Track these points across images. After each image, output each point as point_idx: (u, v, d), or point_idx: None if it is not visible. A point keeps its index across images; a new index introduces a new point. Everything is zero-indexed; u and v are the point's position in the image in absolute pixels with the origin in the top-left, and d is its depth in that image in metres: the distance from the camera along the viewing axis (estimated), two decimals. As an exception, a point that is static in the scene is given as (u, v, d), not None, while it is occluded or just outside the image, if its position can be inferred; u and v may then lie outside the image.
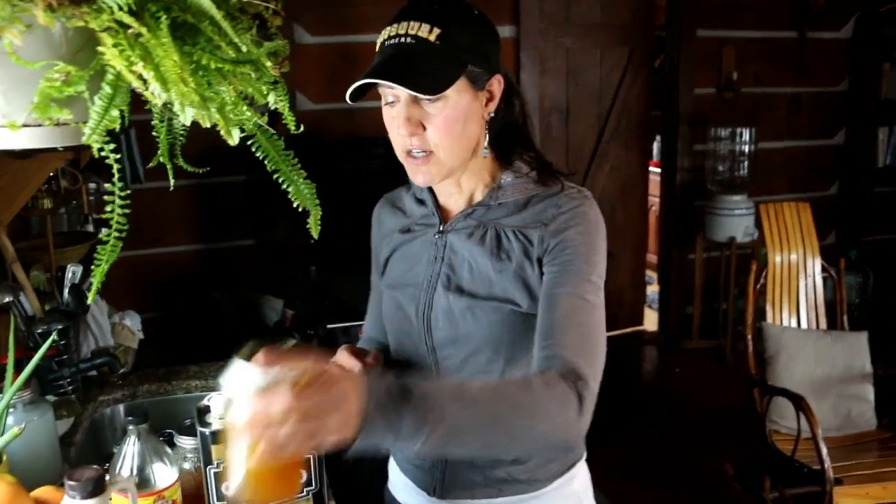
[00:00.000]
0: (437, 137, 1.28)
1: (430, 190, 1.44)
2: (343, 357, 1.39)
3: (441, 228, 1.42)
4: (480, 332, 1.35)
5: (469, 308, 1.35)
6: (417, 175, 1.33)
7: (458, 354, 1.38)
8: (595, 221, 1.34)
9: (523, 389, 1.13)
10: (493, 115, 1.35)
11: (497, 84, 1.34)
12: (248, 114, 0.93)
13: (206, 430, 1.17)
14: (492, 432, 1.06)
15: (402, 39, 1.25)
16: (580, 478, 1.50)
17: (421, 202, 1.48)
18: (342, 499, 1.41)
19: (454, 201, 1.43)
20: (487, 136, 1.36)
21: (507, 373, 1.35)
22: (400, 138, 1.30)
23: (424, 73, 1.23)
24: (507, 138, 1.41)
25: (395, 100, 1.28)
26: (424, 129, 1.28)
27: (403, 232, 1.49)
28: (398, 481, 1.56)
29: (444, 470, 1.43)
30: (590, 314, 1.27)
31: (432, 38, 1.23)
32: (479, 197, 1.40)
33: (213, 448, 1.18)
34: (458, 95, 1.27)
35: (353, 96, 1.27)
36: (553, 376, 1.15)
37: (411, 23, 1.25)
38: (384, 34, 1.29)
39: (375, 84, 1.26)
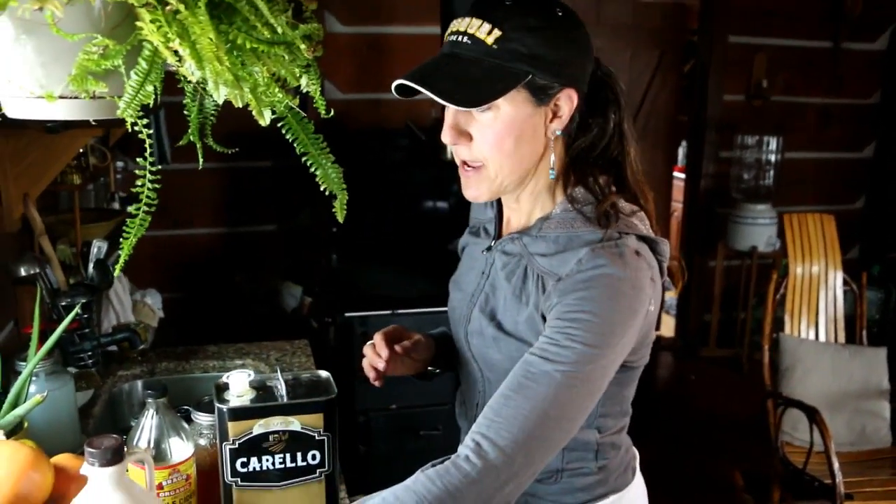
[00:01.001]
0: (485, 150, 1.20)
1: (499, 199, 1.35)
2: (377, 339, 1.39)
3: (492, 245, 1.35)
4: (504, 364, 1.24)
5: (495, 338, 1.29)
6: (467, 189, 1.26)
7: (491, 374, 1.33)
8: (614, 289, 1.15)
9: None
10: (560, 132, 1.23)
11: (567, 99, 1.20)
12: (280, 95, 0.94)
13: (224, 407, 1.18)
14: None
15: (460, 38, 1.16)
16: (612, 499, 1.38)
17: (492, 205, 1.40)
18: (354, 483, 1.42)
19: (515, 217, 1.34)
20: (553, 154, 1.24)
21: None
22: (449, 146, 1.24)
23: (469, 81, 1.14)
24: (586, 159, 1.27)
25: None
26: (471, 138, 1.21)
27: (473, 232, 1.45)
28: None
29: None
30: (540, 403, 1.11)
31: (490, 40, 1.14)
32: (533, 220, 1.29)
33: (231, 425, 1.19)
34: (513, 107, 1.17)
35: (402, 92, 1.20)
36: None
37: (473, 20, 1.16)
38: (450, 28, 1.20)
39: None
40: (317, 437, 1.24)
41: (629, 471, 1.43)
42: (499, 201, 1.37)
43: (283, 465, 1.23)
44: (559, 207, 1.26)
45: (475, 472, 1.07)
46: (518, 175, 1.24)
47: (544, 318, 1.20)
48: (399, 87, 1.19)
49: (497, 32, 1.14)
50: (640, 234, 1.23)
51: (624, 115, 1.29)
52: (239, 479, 1.21)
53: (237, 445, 1.20)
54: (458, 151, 1.24)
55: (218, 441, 1.20)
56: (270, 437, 1.21)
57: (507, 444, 1.08)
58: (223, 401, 1.20)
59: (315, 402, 1.23)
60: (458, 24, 1.18)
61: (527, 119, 1.19)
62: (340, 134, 3.74)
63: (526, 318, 1.24)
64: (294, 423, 1.22)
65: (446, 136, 1.22)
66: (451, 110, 1.21)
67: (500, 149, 1.20)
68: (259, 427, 1.20)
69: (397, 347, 1.41)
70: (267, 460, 1.22)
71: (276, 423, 1.21)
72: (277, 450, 1.22)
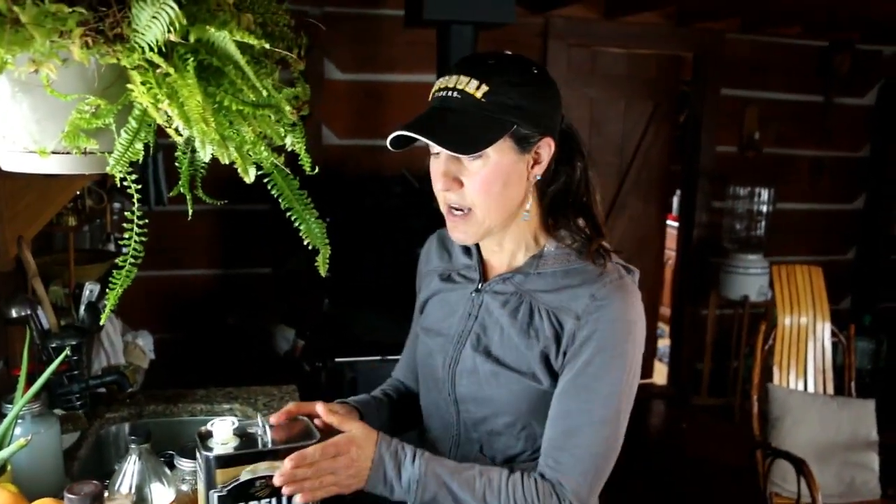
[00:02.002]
0: (474, 195, 1.26)
1: (477, 244, 1.42)
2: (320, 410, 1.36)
3: (479, 286, 1.40)
4: (502, 397, 1.34)
5: (493, 374, 1.34)
6: (455, 232, 1.32)
7: (478, 411, 1.38)
8: (628, 320, 1.28)
9: (508, 494, 1.25)
10: (539, 178, 1.31)
11: (546, 147, 1.29)
12: (266, 153, 0.97)
13: (211, 455, 1.19)
14: None
15: (449, 93, 1.23)
16: None
17: (467, 251, 1.46)
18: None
19: (496, 259, 1.40)
20: (532, 199, 1.32)
21: (522, 441, 1.36)
22: (438, 192, 1.30)
23: (463, 131, 1.21)
24: (561, 203, 1.36)
25: (437, 152, 1.27)
26: (462, 185, 1.26)
27: (444, 279, 1.48)
28: None
29: None
30: (595, 433, 1.27)
31: (479, 94, 1.21)
32: (520, 260, 1.37)
33: (218, 472, 1.19)
34: (500, 155, 1.24)
35: (396, 144, 1.27)
36: (543, 492, 1.26)
37: (461, 77, 1.23)
38: (437, 85, 1.27)
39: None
40: None
41: None
42: (477, 247, 1.43)
43: None
44: (550, 246, 1.35)
45: None
46: (503, 218, 1.31)
47: (565, 354, 1.29)
48: (393, 139, 1.26)
49: (485, 87, 1.22)
50: (628, 267, 1.35)
51: (587, 163, 1.37)
52: None
53: (225, 492, 1.20)
54: (447, 197, 1.29)
55: (204, 489, 1.21)
56: (257, 483, 1.22)
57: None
58: (208, 448, 1.21)
59: (301, 446, 1.24)
60: (447, 81, 1.26)
61: (512, 165, 1.26)
62: (338, 179, 3.78)
63: (538, 352, 1.30)
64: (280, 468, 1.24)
65: (438, 183, 1.28)
66: (442, 159, 1.27)
67: (488, 194, 1.26)
68: (246, 473, 1.21)
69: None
70: None
71: (262, 469, 1.22)
72: (264, 495, 1.23)
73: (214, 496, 1.20)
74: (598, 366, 1.26)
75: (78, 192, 2.60)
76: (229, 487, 1.20)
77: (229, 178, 1.15)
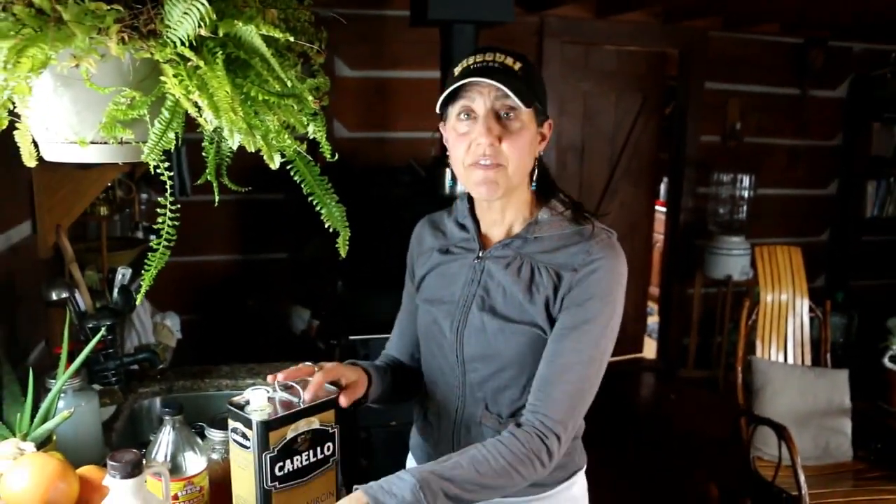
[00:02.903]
0: (511, 152, 1.30)
1: (474, 217, 1.46)
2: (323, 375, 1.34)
3: (480, 254, 1.43)
4: (509, 351, 1.37)
5: (500, 329, 1.37)
6: (485, 183, 1.32)
7: (485, 369, 1.41)
8: (617, 273, 1.34)
9: (503, 475, 1.25)
10: (541, 153, 1.39)
11: (548, 128, 1.38)
12: (289, 141, 0.97)
13: (261, 420, 1.19)
14: (479, 494, 1.23)
15: (490, 64, 1.29)
16: (579, 484, 1.51)
17: (462, 227, 1.49)
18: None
19: (495, 230, 1.44)
20: (536, 171, 1.38)
21: (526, 393, 1.37)
22: (476, 147, 1.30)
23: (516, 86, 1.26)
24: (545, 179, 1.42)
25: (472, 114, 1.30)
26: (500, 142, 1.30)
27: (443, 252, 1.50)
28: None
29: None
30: (585, 370, 1.31)
31: (517, 68, 1.29)
32: (517, 228, 1.41)
33: (271, 435, 1.20)
34: (530, 123, 1.32)
35: (442, 104, 1.33)
36: (525, 438, 1.27)
37: (497, 53, 1.30)
38: (467, 61, 1.32)
39: (460, 96, 1.29)
40: (330, 431, 1.29)
41: (583, 450, 1.54)
42: (475, 222, 1.46)
43: (308, 462, 1.27)
44: (543, 215, 1.39)
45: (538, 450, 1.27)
46: (521, 179, 1.36)
47: (562, 301, 1.33)
48: (449, 94, 1.30)
49: (519, 64, 1.30)
50: (608, 230, 1.39)
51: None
52: (277, 483, 1.23)
53: (276, 452, 1.22)
54: (490, 150, 1.30)
55: (256, 452, 1.21)
56: (298, 439, 1.25)
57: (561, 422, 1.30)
58: (253, 415, 1.21)
59: (330, 401, 1.29)
60: (483, 56, 1.31)
61: (534, 135, 1.34)
62: (347, 170, 3.77)
63: (541, 304, 1.34)
64: (315, 423, 1.26)
65: (487, 138, 1.29)
66: (484, 118, 1.29)
67: (521, 152, 1.32)
68: (291, 432, 1.24)
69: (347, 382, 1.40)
70: (297, 460, 1.25)
71: (302, 426, 1.25)
72: (304, 449, 1.26)
73: (267, 457, 1.21)
74: (591, 311, 1.31)
75: (109, 184, 2.60)
76: (279, 447, 1.22)
77: (249, 168, 1.15)
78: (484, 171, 1.32)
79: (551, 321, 1.34)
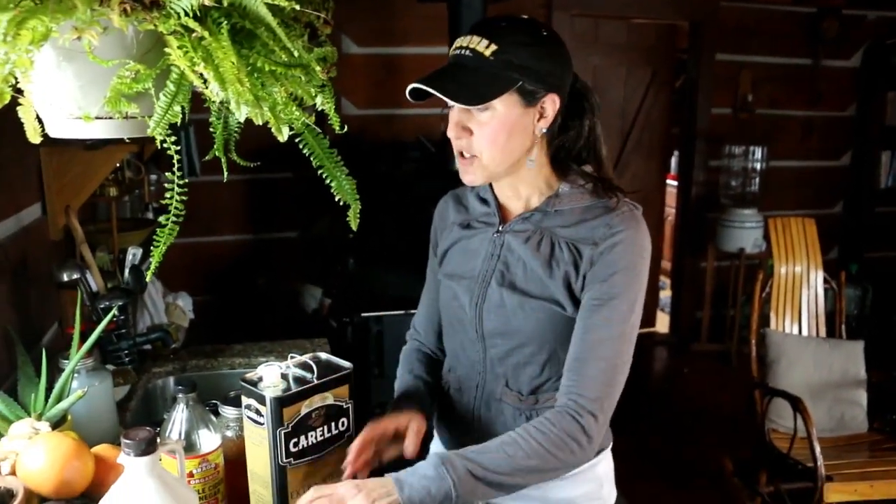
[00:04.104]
0: (481, 144, 1.29)
1: (493, 191, 1.44)
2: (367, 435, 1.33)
3: (500, 228, 1.42)
4: (528, 327, 1.36)
5: (520, 304, 1.35)
6: (464, 174, 1.35)
7: (504, 345, 1.39)
8: (641, 246, 1.33)
9: (534, 457, 1.22)
10: (545, 130, 1.33)
11: (551, 103, 1.31)
12: (297, 113, 0.95)
13: (275, 396, 1.20)
14: (511, 478, 1.22)
15: (462, 51, 1.27)
16: (604, 463, 1.49)
17: (483, 201, 1.47)
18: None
19: (513, 204, 1.42)
20: (539, 149, 1.35)
21: (547, 369, 1.36)
22: (451, 140, 1.33)
23: (470, 85, 1.24)
24: (568, 152, 1.39)
25: (452, 105, 1.29)
26: (471, 133, 1.29)
27: (464, 227, 1.49)
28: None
29: None
30: (617, 346, 1.29)
31: (487, 53, 1.24)
32: (535, 203, 1.39)
33: (285, 411, 1.21)
34: (507, 108, 1.27)
35: (415, 96, 1.29)
36: (557, 419, 1.25)
37: (473, 37, 1.26)
38: (454, 45, 1.31)
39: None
40: (344, 406, 1.30)
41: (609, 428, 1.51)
42: (494, 196, 1.44)
43: (322, 437, 1.27)
44: (565, 187, 1.37)
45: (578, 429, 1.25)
46: (507, 165, 1.33)
47: (584, 278, 1.31)
48: (412, 91, 1.28)
49: (493, 47, 1.24)
50: (634, 204, 1.37)
51: (596, 121, 1.40)
52: (292, 459, 1.23)
53: (290, 428, 1.22)
54: (458, 144, 1.32)
55: (271, 428, 1.21)
56: (313, 415, 1.25)
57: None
58: (267, 391, 1.21)
59: (344, 376, 1.29)
60: (461, 41, 1.29)
61: (518, 118, 1.29)
62: (356, 147, 3.75)
63: (561, 280, 1.32)
64: (329, 398, 1.27)
65: (451, 132, 1.32)
66: (455, 110, 1.30)
67: (494, 142, 1.29)
68: (305, 408, 1.24)
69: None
70: (311, 436, 1.26)
71: (317, 402, 1.25)
72: (318, 424, 1.26)
73: (281, 433, 1.21)
74: (617, 285, 1.29)
75: (118, 165, 2.59)
76: (293, 423, 1.22)
77: (256, 149, 1.13)
78: (462, 163, 1.34)
79: (572, 297, 1.32)
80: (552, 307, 1.33)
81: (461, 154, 1.33)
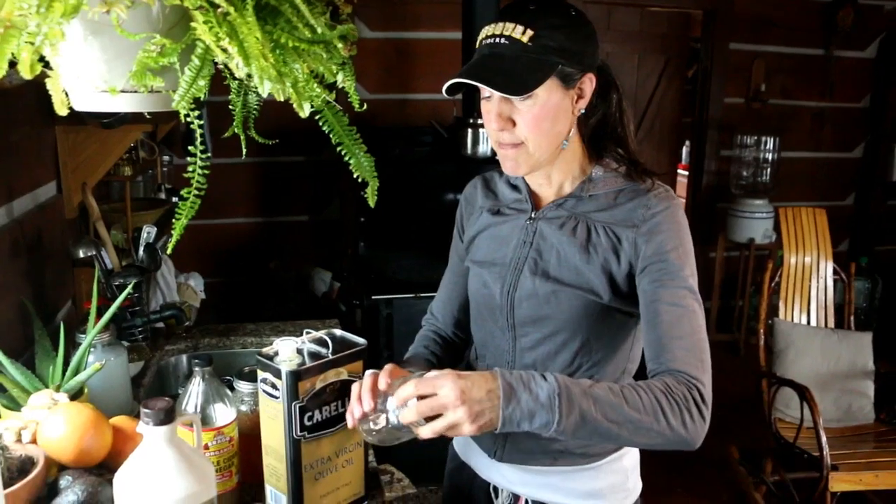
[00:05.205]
0: (527, 132, 1.26)
1: (524, 177, 1.41)
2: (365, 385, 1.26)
3: (533, 215, 1.39)
4: (561, 315, 1.32)
5: (553, 292, 1.32)
6: (506, 163, 1.32)
7: (535, 334, 1.36)
8: (682, 223, 1.30)
9: (650, 413, 1.14)
10: (583, 111, 1.32)
11: (588, 82, 1.29)
12: (318, 90, 0.96)
13: (291, 370, 1.21)
14: (618, 427, 1.12)
15: (497, 40, 1.23)
16: (629, 455, 1.47)
17: (514, 188, 1.45)
18: (377, 451, 1.44)
19: (545, 191, 1.40)
20: (574, 130, 1.33)
21: (579, 357, 1.34)
22: (492, 131, 1.30)
23: (513, 74, 1.21)
24: (601, 133, 1.37)
25: (489, 95, 1.27)
26: (514, 124, 1.27)
27: (493, 213, 1.46)
28: (463, 439, 1.56)
29: (507, 438, 1.42)
30: (692, 321, 1.24)
31: (525, 39, 1.21)
32: (568, 188, 1.37)
33: (300, 385, 1.22)
34: (548, 94, 1.24)
35: (451, 91, 1.27)
36: (673, 383, 1.17)
37: (507, 24, 1.23)
38: (483, 33, 1.27)
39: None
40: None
41: None
42: (525, 182, 1.42)
43: (336, 412, 1.29)
44: (598, 171, 1.35)
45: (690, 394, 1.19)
46: (551, 151, 1.31)
47: (630, 264, 1.29)
48: (448, 87, 1.26)
49: (530, 32, 1.21)
50: (665, 186, 1.35)
51: (622, 95, 1.38)
52: (306, 433, 1.25)
53: (305, 402, 1.24)
54: (501, 136, 1.29)
55: (286, 402, 1.23)
56: (327, 390, 1.27)
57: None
58: (283, 365, 1.23)
59: (358, 352, 1.31)
60: (493, 29, 1.25)
61: (559, 102, 1.26)
62: (368, 131, 3.75)
63: (599, 266, 1.30)
64: (343, 374, 1.28)
65: (493, 124, 1.28)
66: (495, 101, 1.27)
67: (539, 130, 1.26)
68: (320, 382, 1.25)
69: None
70: (325, 410, 1.27)
71: (331, 376, 1.27)
72: (332, 399, 1.28)
73: (296, 407, 1.23)
74: (672, 264, 1.25)
75: (132, 144, 2.61)
76: (308, 397, 1.24)
77: (267, 131, 1.14)
78: (504, 150, 1.30)
79: (611, 284, 1.30)
80: (586, 295, 1.30)
81: (499, 143, 1.30)
